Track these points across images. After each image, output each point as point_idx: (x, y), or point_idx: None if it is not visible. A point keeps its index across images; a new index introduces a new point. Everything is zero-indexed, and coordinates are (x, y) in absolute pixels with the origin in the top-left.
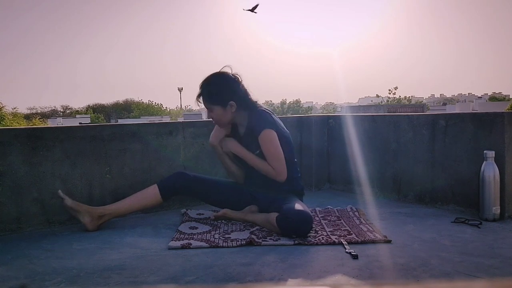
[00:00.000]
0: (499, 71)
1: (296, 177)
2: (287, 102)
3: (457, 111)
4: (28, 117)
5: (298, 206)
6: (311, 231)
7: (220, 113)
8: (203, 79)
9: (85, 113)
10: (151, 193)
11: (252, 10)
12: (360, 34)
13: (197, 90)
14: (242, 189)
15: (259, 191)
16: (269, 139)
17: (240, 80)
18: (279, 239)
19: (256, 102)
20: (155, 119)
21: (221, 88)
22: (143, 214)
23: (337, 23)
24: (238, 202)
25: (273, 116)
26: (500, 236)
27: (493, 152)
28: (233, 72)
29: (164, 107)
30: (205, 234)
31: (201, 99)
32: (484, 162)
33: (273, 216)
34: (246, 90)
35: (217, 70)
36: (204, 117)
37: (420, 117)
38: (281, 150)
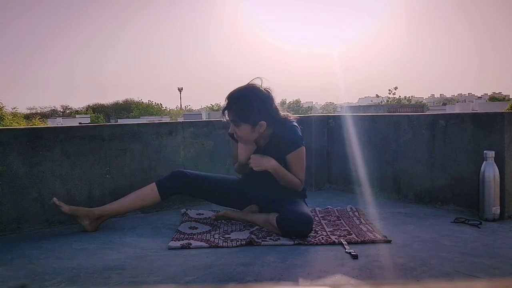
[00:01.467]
0: (499, 71)
1: None
2: (287, 102)
3: (457, 111)
4: (28, 117)
5: (299, 207)
6: (311, 232)
7: (246, 132)
8: (233, 91)
9: (85, 113)
10: (149, 193)
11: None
12: (360, 34)
13: (196, 90)
14: (243, 188)
15: (260, 191)
16: (302, 155)
17: (272, 96)
18: (279, 239)
19: (283, 115)
20: (155, 119)
21: (253, 107)
22: (143, 214)
23: (337, 23)
24: (238, 201)
25: (299, 128)
26: (500, 236)
27: (493, 152)
28: (265, 87)
29: (164, 107)
30: (205, 234)
31: (228, 112)
32: (484, 162)
33: (273, 216)
34: (276, 107)
35: (248, 82)
36: (204, 117)
37: (420, 117)
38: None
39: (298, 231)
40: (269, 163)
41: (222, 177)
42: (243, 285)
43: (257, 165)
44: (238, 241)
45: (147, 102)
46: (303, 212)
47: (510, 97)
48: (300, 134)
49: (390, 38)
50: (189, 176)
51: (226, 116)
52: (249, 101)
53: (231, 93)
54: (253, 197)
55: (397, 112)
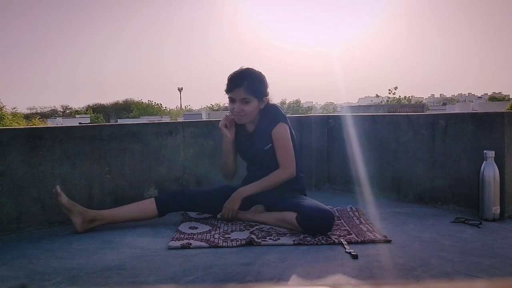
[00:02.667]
0: (499, 71)
1: (299, 176)
2: (287, 102)
3: (457, 111)
4: (28, 117)
5: (315, 203)
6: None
7: (254, 107)
8: (236, 72)
9: (85, 113)
10: (148, 206)
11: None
12: (360, 34)
13: (196, 90)
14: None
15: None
16: (284, 133)
17: None
18: (279, 239)
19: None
20: (155, 119)
21: (263, 81)
22: None
23: (337, 23)
24: (242, 204)
25: (283, 110)
26: (500, 236)
27: (493, 152)
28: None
29: (164, 107)
30: (205, 234)
31: (238, 89)
32: (484, 162)
33: (291, 216)
34: None
35: (244, 67)
36: (204, 117)
37: (420, 117)
38: (292, 145)
39: (322, 227)
40: (236, 196)
41: (221, 187)
42: (243, 285)
43: (230, 208)
44: (238, 241)
45: (147, 102)
46: (324, 208)
47: (510, 97)
48: (283, 112)
49: (390, 38)
50: (188, 196)
51: (234, 95)
52: (259, 76)
53: (236, 73)
54: (256, 198)
55: (397, 112)
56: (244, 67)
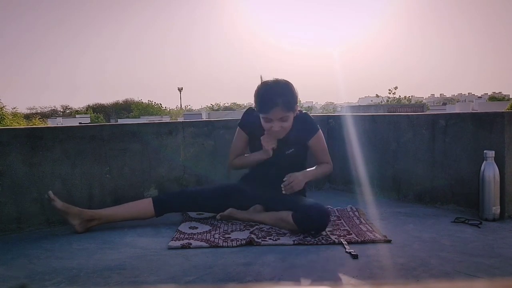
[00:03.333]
0: (499, 71)
1: None
2: None
3: (457, 111)
4: (28, 117)
5: (312, 202)
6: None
7: (291, 120)
8: (271, 89)
9: (85, 113)
10: (145, 206)
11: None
12: (360, 34)
13: (196, 90)
14: (245, 190)
15: (262, 190)
16: (323, 138)
17: None
18: (279, 239)
19: None
20: (155, 119)
21: (294, 95)
22: None
23: (337, 23)
24: (241, 204)
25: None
26: (500, 236)
27: (493, 152)
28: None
29: (164, 107)
30: (205, 234)
31: (275, 109)
32: (484, 162)
33: (288, 214)
34: None
35: (263, 80)
36: (204, 117)
37: (420, 117)
38: None
39: (318, 225)
40: (300, 179)
41: (221, 187)
42: (243, 285)
43: (296, 187)
44: (238, 241)
45: (147, 102)
46: (320, 206)
47: (510, 97)
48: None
49: (390, 38)
50: (186, 196)
51: (271, 116)
52: (291, 90)
53: (268, 91)
54: (256, 197)
55: (397, 112)
56: (270, 82)
